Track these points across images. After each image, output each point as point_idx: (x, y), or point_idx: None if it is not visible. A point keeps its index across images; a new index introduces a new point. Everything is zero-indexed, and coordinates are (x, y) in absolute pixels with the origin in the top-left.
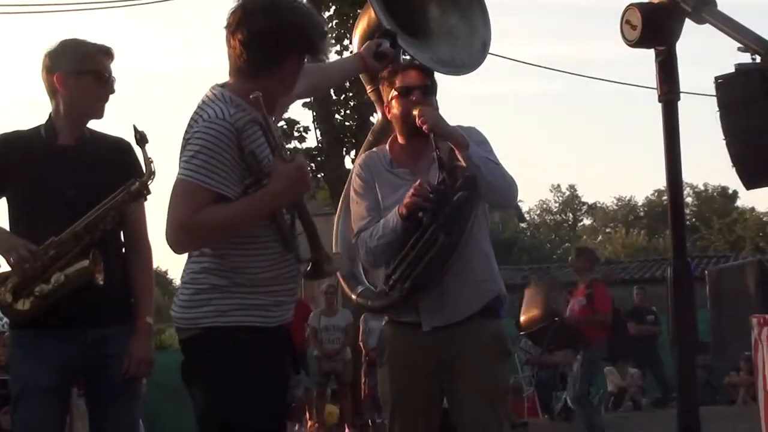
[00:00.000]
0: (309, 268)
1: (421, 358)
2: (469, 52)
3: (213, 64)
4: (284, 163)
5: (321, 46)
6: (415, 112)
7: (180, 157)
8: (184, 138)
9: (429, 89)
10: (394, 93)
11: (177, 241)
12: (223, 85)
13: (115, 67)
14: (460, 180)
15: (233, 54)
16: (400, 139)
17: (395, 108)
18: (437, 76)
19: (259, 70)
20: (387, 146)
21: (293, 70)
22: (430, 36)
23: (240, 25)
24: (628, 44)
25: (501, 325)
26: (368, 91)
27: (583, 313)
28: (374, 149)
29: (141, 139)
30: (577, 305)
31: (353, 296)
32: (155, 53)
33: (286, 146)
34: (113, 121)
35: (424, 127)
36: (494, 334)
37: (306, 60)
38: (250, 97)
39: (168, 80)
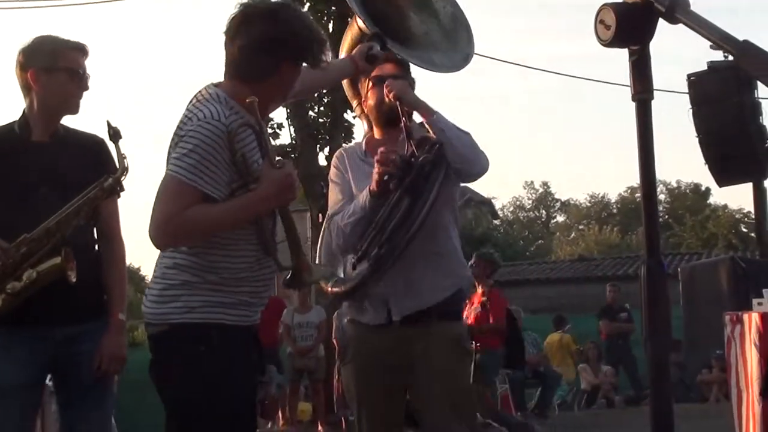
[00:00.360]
0: (288, 276)
1: (383, 358)
2: (449, 59)
3: (195, 64)
4: (274, 168)
5: (319, 56)
6: (386, 87)
7: (170, 153)
8: (176, 134)
9: (403, 79)
10: (369, 84)
11: (159, 236)
12: (217, 85)
13: (92, 64)
14: (428, 147)
15: (231, 58)
16: (375, 133)
17: (370, 99)
18: (416, 75)
19: (256, 75)
20: (363, 141)
21: (290, 77)
22: (414, 45)
23: (239, 30)
24: (602, 44)
25: (460, 325)
26: (354, 105)
27: (478, 320)
28: (350, 144)
29: (115, 134)
30: (473, 313)
31: (327, 288)
32: (134, 51)
33: None
34: (91, 118)
35: (391, 96)
36: (454, 335)
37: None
38: (246, 101)
39: (149, 78)
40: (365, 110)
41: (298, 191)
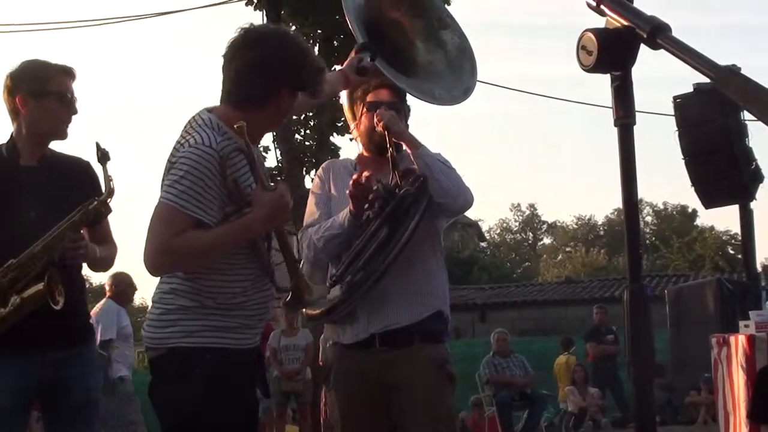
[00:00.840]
0: (289, 297)
1: (365, 382)
2: (449, 92)
3: (173, 84)
4: (266, 191)
5: (316, 85)
6: (376, 116)
7: (163, 180)
8: (168, 161)
9: (395, 107)
10: (363, 109)
11: (154, 263)
12: (211, 110)
13: (79, 87)
14: (411, 179)
15: (227, 82)
16: (365, 152)
17: (362, 124)
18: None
19: (251, 101)
20: (355, 158)
21: (285, 105)
22: (416, 74)
23: (237, 54)
24: (583, 69)
25: (444, 349)
26: (347, 114)
27: None
28: (341, 159)
29: (103, 156)
30: None
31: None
32: (122, 74)
33: None
34: (76, 141)
35: (380, 126)
36: (437, 359)
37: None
38: (235, 126)
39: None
40: (358, 133)
41: (289, 213)
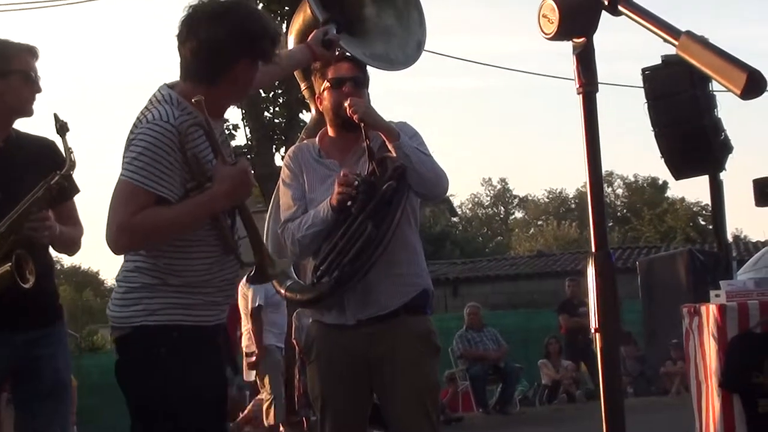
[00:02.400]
0: (253, 271)
1: (348, 357)
2: (403, 51)
3: (145, 66)
4: (227, 166)
5: (272, 52)
6: (346, 103)
7: (123, 157)
8: (128, 138)
9: (361, 81)
10: (326, 84)
11: (116, 241)
12: (171, 86)
13: (45, 67)
14: (390, 170)
15: (184, 62)
16: (330, 132)
17: (326, 100)
18: (370, 71)
19: (209, 76)
20: (317, 138)
21: (245, 76)
22: (366, 34)
23: (190, 33)
24: (545, 37)
25: (428, 321)
26: (302, 88)
27: None
28: (304, 141)
29: (62, 128)
30: None
31: (282, 290)
32: (84, 54)
33: None
34: (41, 121)
35: (354, 117)
36: (421, 330)
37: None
38: (193, 100)
39: (97, 82)
40: (320, 107)
41: (252, 187)
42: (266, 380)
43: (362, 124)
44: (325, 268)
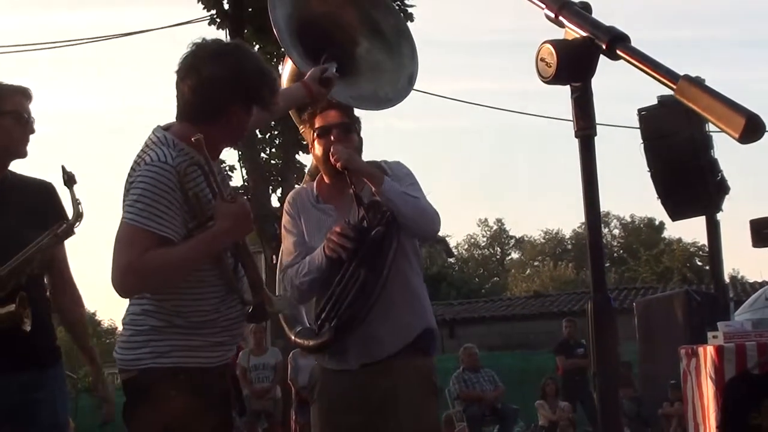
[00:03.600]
0: (251, 310)
1: (350, 398)
2: (393, 86)
3: (140, 104)
4: (227, 203)
5: (270, 99)
6: (330, 152)
7: (123, 201)
8: (127, 181)
9: (347, 127)
10: (313, 134)
11: (123, 284)
12: (166, 128)
13: (38, 109)
14: (379, 215)
15: (181, 99)
16: (325, 178)
17: (316, 149)
18: (363, 113)
19: (205, 116)
20: (315, 183)
21: (240, 120)
22: (355, 73)
23: (190, 71)
24: (543, 81)
25: (429, 362)
26: (301, 130)
27: None
28: (303, 185)
29: (69, 180)
30: None
31: (291, 336)
32: (80, 95)
33: None
34: (40, 163)
35: (337, 165)
36: (422, 372)
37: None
38: (192, 139)
39: (95, 121)
40: (313, 157)
41: (252, 223)
42: None
43: (346, 172)
44: (324, 316)
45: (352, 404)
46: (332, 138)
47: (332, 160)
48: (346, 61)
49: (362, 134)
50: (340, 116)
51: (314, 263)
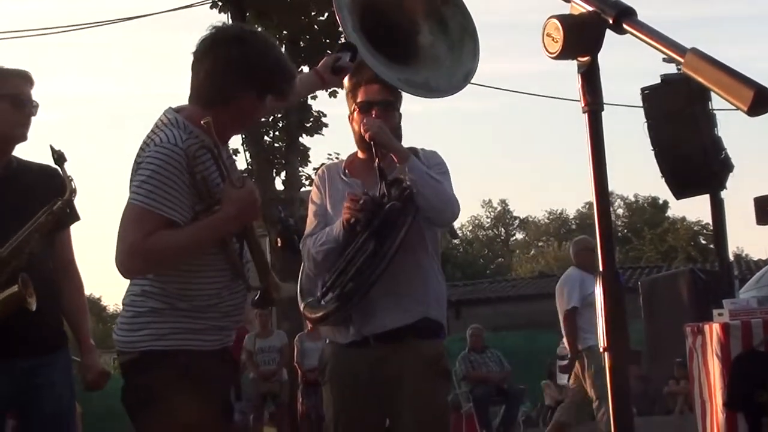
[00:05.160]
0: (257, 296)
1: (361, 379)
2: (449, 80)
3: (141, 89)
4: (235, 188)
5: (285, 89)
6: (362, 123)
7: (131, 181)
8: (135, 162)
9: (391, 105)
10: (354, 107)
11: (127, 265)
12: (177, 110)
13: (42, 96)
14: (398, 192)
15: (195, 81)
16: (359, 153)
17: (355, 122)
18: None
19: (218, 100)
20: (347, 157)
21: (252, 107)
22: (413, 60)
23: (208, 53)
24: (550, 57)
25: (439, 344)
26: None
27: None
28: (335, 161)
29: (59, 158)
30: None
31: (301, 306)
32: (83, 79)
33: None
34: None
35: (366, 136)
36: (431, 354)
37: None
38: (201, 122)
39: (96, 106)
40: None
41: (260, 208)
42: (590, 382)
43: (373, 144)
44: (329, 285)
45: (362, 387)
46: (373, 114)
47: (362, 130)
48: (406, 47)
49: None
50: (384, 93)
51: (332, 233)
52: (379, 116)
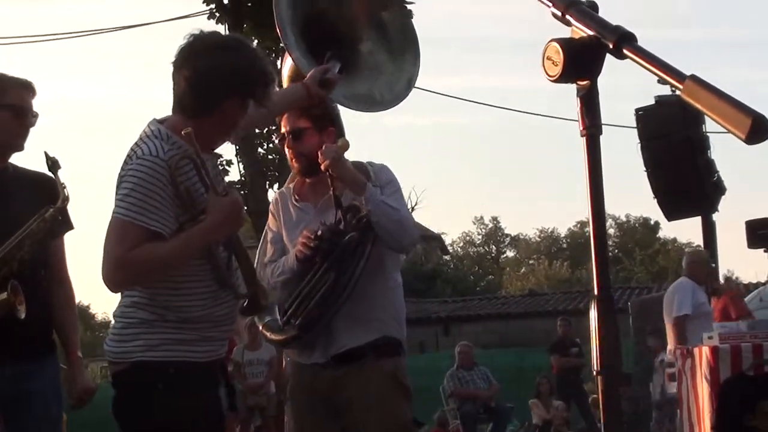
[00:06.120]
0: (245, 303)
1: (319, 397)
2: (391, 89)
3: (138, 98)
4: (219, 197)
5: (266, 94)
6: (320, 150)
7: (115, 194)
8: (119, 175)
9: (302, 132)
10: (288, 137)
11: (113, 278)
12: (161, 121)
13: (41, 101)
14: (355, 220)
15: (176, 90)
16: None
17: (288, 150)
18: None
19: (200, 109)
20: (294, 182)
21: (235, 113)
22: (355, 71)
23: (186, 62)
24: (550, 79)
25: (398, 361)
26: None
27: None
28: (286, 186)
29: (53, 165)
30: None
31: (260, 325)
32: (79, 87)
33: None
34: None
35: (322, 166)
36: (389, 371)
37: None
38: (182, 132)
39: (93, 113)
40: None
41: (244, 217)
42: None
43: (328, 173)
44: (291, 312)
45: (321, 405)
46: (286, 145)
47: (320, 159)
48: (347, 57)
49: (360, 128)
50: (294, 120)
51: (287, 264)
52: (290, 146)
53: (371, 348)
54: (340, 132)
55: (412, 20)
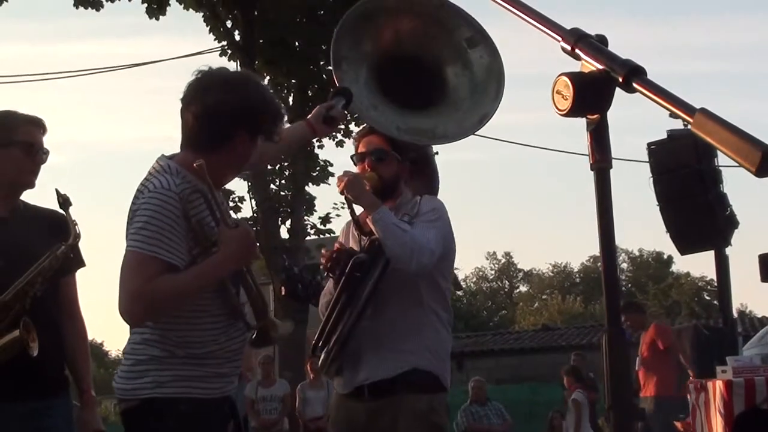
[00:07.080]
0: (255, 335)
1: (357, 429)
2: (460, 124)
3: (151, 133)
4: (231, 229)
5: (275, 129)
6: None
7: (127, 229)
8: (130, 209)
9: (384, 153)
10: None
11: (131, 311)
12: (170, 157)
13: (52, 139)
14: (368, 242)
15: (185, 126)
16: None
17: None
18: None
19: (208, 144)
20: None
21: (244, 149)
22: (438, 105)
23: (195, 98)
24: (559, 114)
25: (432, 398)
26: None
27: None
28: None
29: (64, 202)
30: None
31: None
32: (93, 124)
33: None
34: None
35: (338, 188)
36: (422, 408)
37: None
38: (194, 165)
39: (106, 150)
40: None
41: (256, 248)
42: None
43: (345, 198)
44: (316, 338)
45: None
46: (366, 165)
47: (336, 182)
48: (431, 92)
49: None
50: (380, 141)
51: (328, 286)
52: (372, 167)
53: (403, 381)
54: (432, 173)
55: (499, 57)
